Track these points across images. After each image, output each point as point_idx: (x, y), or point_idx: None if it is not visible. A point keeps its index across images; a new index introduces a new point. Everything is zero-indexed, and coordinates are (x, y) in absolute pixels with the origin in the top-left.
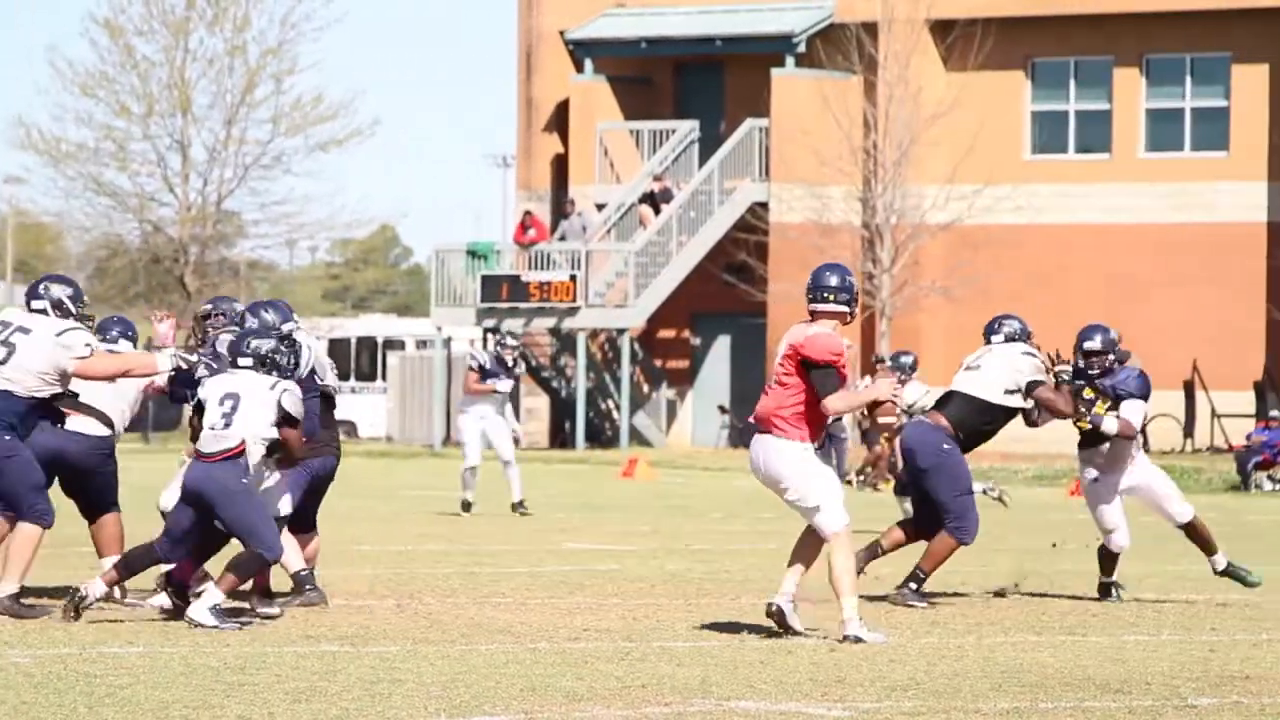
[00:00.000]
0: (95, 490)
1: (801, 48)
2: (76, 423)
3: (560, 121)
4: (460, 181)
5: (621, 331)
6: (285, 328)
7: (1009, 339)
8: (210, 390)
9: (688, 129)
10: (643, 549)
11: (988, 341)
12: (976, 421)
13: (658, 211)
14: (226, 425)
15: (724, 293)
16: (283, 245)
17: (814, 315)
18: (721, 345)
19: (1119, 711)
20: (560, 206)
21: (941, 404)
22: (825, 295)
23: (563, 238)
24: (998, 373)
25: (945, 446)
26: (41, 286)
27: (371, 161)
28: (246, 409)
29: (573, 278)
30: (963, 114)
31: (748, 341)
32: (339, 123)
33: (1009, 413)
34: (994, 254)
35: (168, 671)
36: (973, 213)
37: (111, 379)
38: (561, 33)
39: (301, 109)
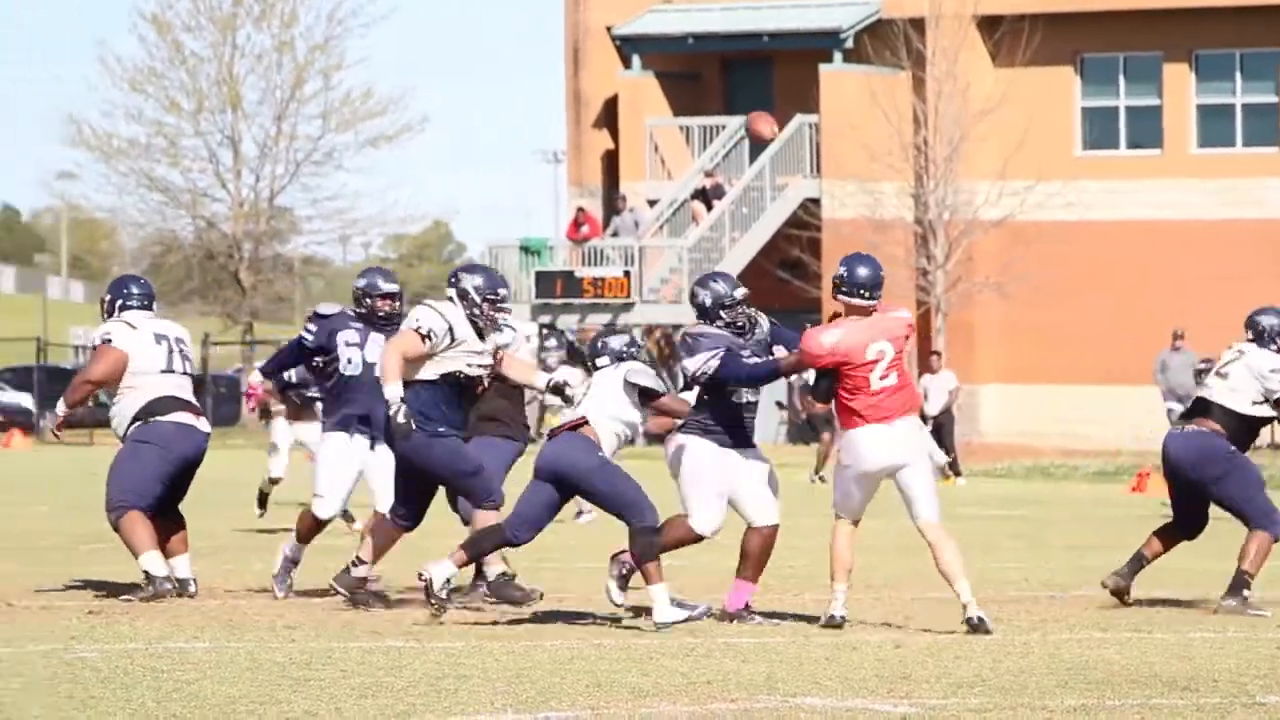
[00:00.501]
0: (185, 488)
1: (849, 43)
2: (204, 422)
3: (609, 117)
4: (512, 177)
5: (677, 327)
6: (738, 293)
7: (1259, 336)
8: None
9: (737, 125)
10: (706, 545)
11: (1247, 329)
12: (1236, 428)
13: (710, 207)
14: (575, 405)
15: (778, 289)
16: (336, 241)
17: (848, 308)
18: None
19: (1186, 709)
20: (612, 202)
21: (1203, 411)
22: (861, 291)
23: (615, 234)
24: (1243, 385)
25: (1231, 450)
26: (453, 275)
27: (423, 157)
28: (595, 392)
29: (626, 274)
30: (1012, 110)
31: None
32: (389, 118)
33: (1265, 419)
34: (1046, 250)
35: (234, 666)
36: (1024, 209)
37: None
38: (609, 28)
39: (351, 105)
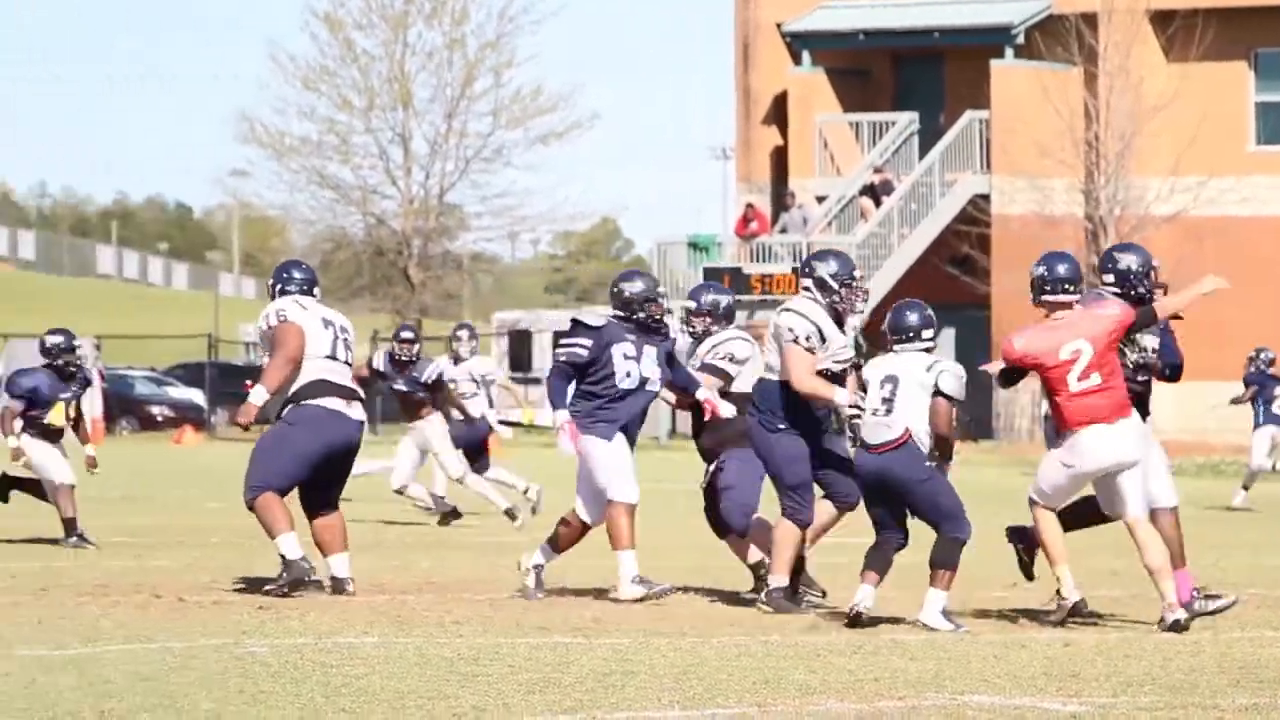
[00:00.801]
0: (340, 480)
1: (1020, 39)
2: (357, 409)
3: (779, 113)
4: (680, 173)
5: None
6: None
7: None
8: (872, 371)
9: (907, 121)
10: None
11: None
12: None
13: (878, 204)
14: (888, 411)
15: (948, 285)
16: (505, 238)
17: (1051, 306)
18: (945, 338)
19: None
20: (780, 198)
21: None
22: (1065, 287)
23: (784, 230)
24: None
25: None
26: (806, 266)
27: (592, 154)
28: (905, 393)
29: (795, 270)
30: (1184, 105)
31: (972, 334)
32: (558, 115)
33: None
34: (1218, 246)
35: (402, 662)
36: (1197, 204)
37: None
38: (779, 25)
39: (521, 102)
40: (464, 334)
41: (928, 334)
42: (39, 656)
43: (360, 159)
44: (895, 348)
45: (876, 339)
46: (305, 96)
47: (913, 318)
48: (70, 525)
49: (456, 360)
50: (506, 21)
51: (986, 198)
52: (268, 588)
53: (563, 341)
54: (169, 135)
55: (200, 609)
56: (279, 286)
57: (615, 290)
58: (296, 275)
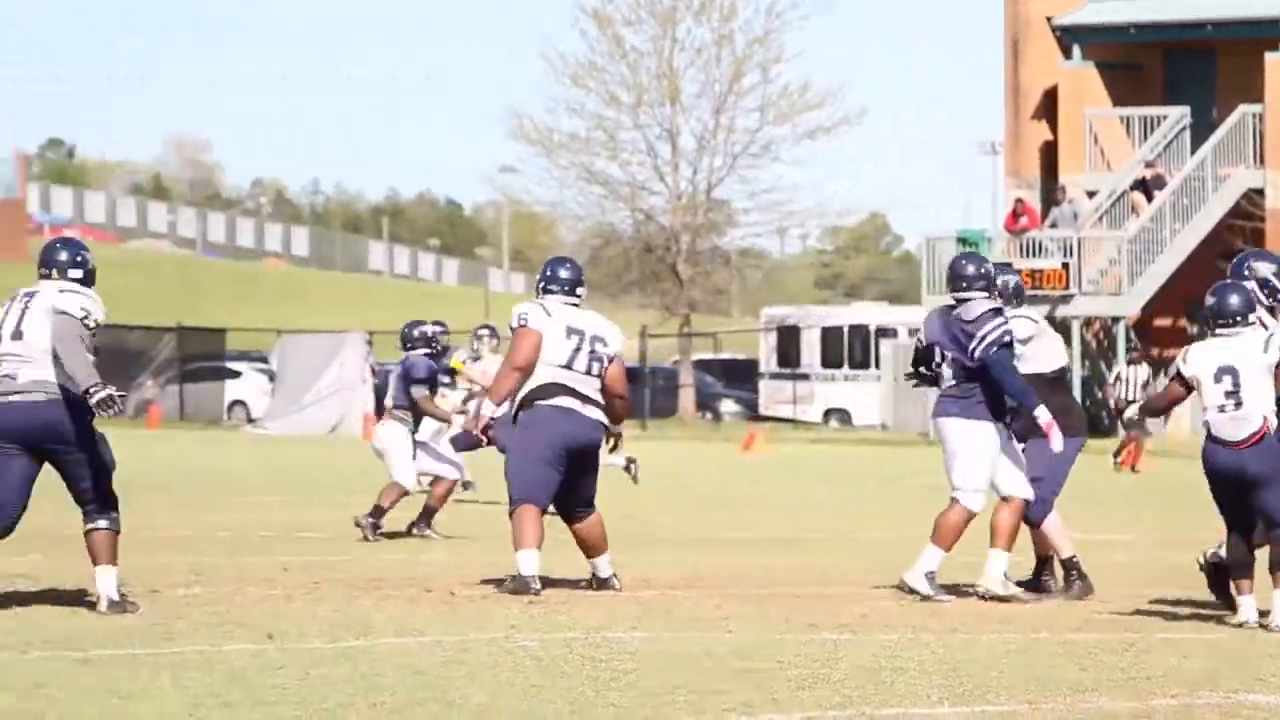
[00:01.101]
0: (587, 481)
1: None
2: (594, 411)
3: (1048, 108)
4: (949, 169)
5: (1116, 319)
6: None
7: None
8: (1199, 366)
9: (1178, 115)
10: (1145, 539)
11: None
12: None
13: (1150, 199)
14: (1238, 405)
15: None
16: (773, 233)
17: None
18: None
19: None
20: (1050, 193)
21: None
22: None
23: (1054, 225)
24: None
25: None
26: (1245, 265)
27: (860, 149)
28: (1249, 381)
29: (1065, 265)
30: None
31: None
32: (826, 111)
33: None
34: None
35: (671, 657)
36: None
37: None
38: (1049, 19)
39: (789, 98)
40: (484, 333)
41: (1252, 317)
42: (312, 649)
43: (628, 155)
44: (1220, 332)
45: (1146, 334)
46: (574, 93)
47: (1235, 301)
48: (376, 512)
49: (477, 359)
50: (774, 18)
51: (1260, 192)
52: (489, 582)
53: (994, 325)
54: (440, 133)
55: (470, 603)
56: (542, 285)
57: (992, 276)
58: (562, 275)
